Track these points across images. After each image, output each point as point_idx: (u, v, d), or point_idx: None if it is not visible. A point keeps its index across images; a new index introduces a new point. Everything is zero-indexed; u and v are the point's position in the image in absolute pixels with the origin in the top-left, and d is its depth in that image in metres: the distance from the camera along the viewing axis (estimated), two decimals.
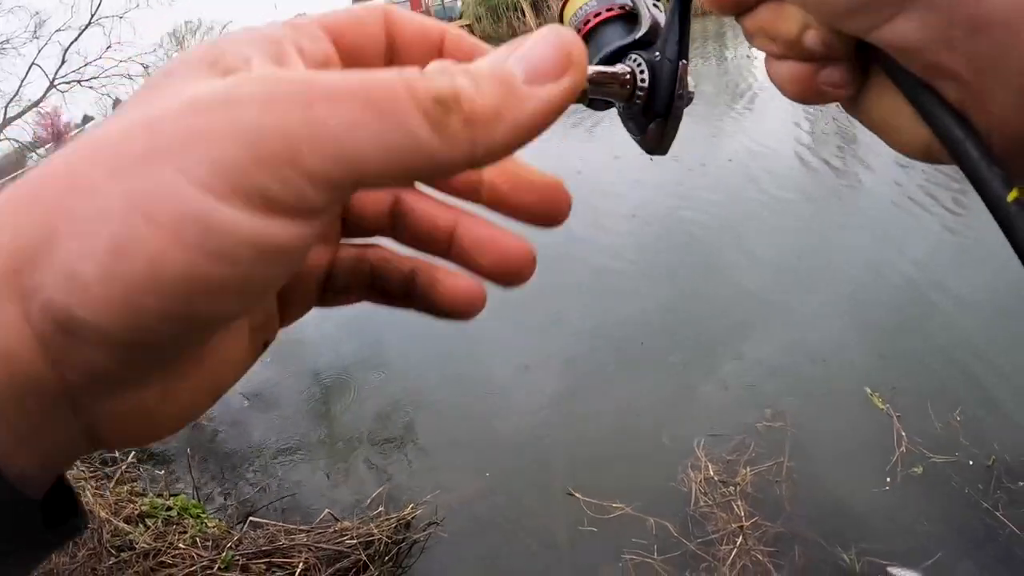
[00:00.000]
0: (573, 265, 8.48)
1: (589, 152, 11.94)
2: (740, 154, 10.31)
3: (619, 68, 0.65)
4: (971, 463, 4.33)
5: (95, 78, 24.75)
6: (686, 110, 0.65)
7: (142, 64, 27.20)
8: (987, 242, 6.48)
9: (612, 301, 7.53)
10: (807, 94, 0.45)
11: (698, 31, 21.71)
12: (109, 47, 24.46)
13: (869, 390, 5.01)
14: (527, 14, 32.16)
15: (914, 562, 3.85)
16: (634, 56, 0.65)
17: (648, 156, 0.71)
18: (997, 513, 3.96)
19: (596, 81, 0.64)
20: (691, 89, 0.65)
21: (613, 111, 0.71)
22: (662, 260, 8.09)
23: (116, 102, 46.54)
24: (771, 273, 7.14)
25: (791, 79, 0.45)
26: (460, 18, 36.66)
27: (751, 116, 12.29)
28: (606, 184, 10.71)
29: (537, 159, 0.44)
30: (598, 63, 0.67)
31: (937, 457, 4.39)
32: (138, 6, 34.57)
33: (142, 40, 68.35)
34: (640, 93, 0.64)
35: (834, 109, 10.77)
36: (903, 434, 4.56)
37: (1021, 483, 4.13)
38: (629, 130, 0.69)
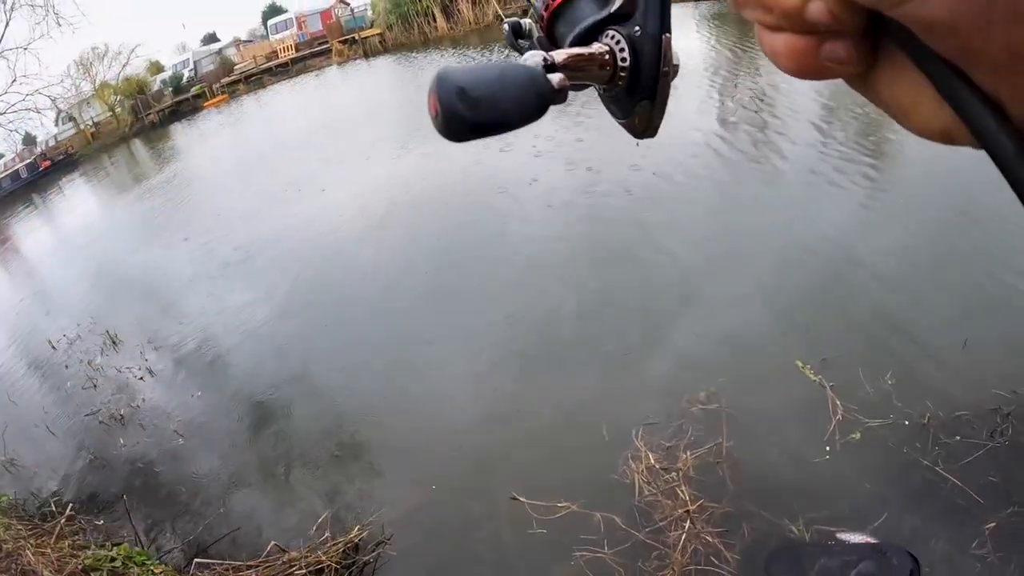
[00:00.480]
0: (496, 264, 8.55)
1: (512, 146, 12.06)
2: (654, 141, 10.38)
3: (596, 48, 0.61)
4: (907, 423, 4.42)
5: (2, 114, 23.88)
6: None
7: (49, 96, 26.37)
8: (896, 214, 6.71)
9: (537, 298, 7.56)
10: (807, 69, 0.41)
11: None
12: (14, 81, 23.64)
13: (800, 363, 5.08)
14: (438, 19, 32.31)
15: (862, 525, 3.91)
16: (611, 32, 0.61)
17: (635, 141, 0.66)
18: (937, 468, 4.06)
19: (572, 66, 0.58)
20: (676, 63, 0.61)
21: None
22: (582, 254, 8.16)
23: (25, 137, 45.33)
24: (691, 259, 7.26)
25: (788, 53, 0.40)
26: (371, 27, 36.70)
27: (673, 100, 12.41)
28: (520, 180, 10.84)
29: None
30: (571, 43, 0.62)
31: (873, 421, 4.47)
32: (42, 36, 33.61)
33: (48, 71, 66.31)
34: (622, 74, 0.60)
35: (749, 89, 11.02)
36: (838, 403, 4.63)
37: (958, 437, 4.23)
38: (612, 113, 0.65)
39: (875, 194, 7.23)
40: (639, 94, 0.60)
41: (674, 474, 4.47)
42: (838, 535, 3.92)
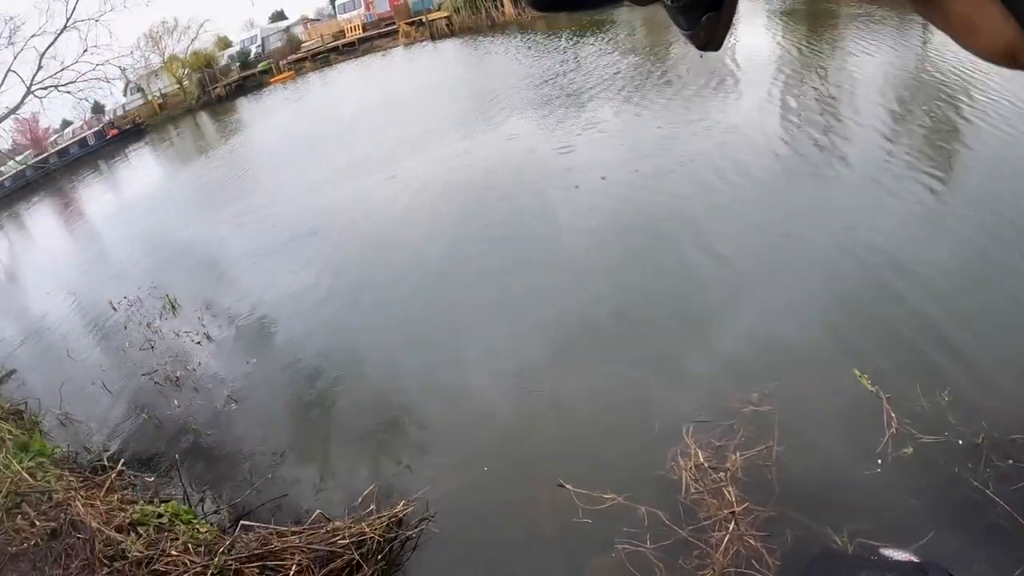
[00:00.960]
0: (548, 252, 8.56)
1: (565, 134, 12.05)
2: (717, 138, 10.35)
3: None
4: (960, 442, 4.33)
5: (72, 83, 24.57)
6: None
7: (119, 67, 27.05)
8: (968, 221, 6.54)
9: (590, 289, 7.54)
10: None
11: None
12: (85, 51, 24.40)
13: (858, 372, 5.00)
14: (506, 3, 32.28)
15: (906, 542, 3.84)
16: None
17: (698, 54, 0.65)
18: (987, 491, 3.97)
19: None
20: None
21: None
22: (635, 248, 8.11)
23: (94, 106, 46.60)
24: (747, 259, 7.16)
25: None
26: (439, 9, 36.78)
27: (729, 98, 12.26)
28: (579, 166, 10.84)
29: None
30: None
31: (927, 437, 4.39)
32: (113, 9, 34.49)
33: (119, 43, 68.05)
34: None
35: (814, 90, 10.81)
36: (892, 415, 4.55)
37: (1010, 461, 4.13)
38: (678, 25, 0.65)
39: (938, 206, 7.05)
40: (705, 6, 0.60)
41: (722, 474, 4.44)
42: (881, 550, 3.86)
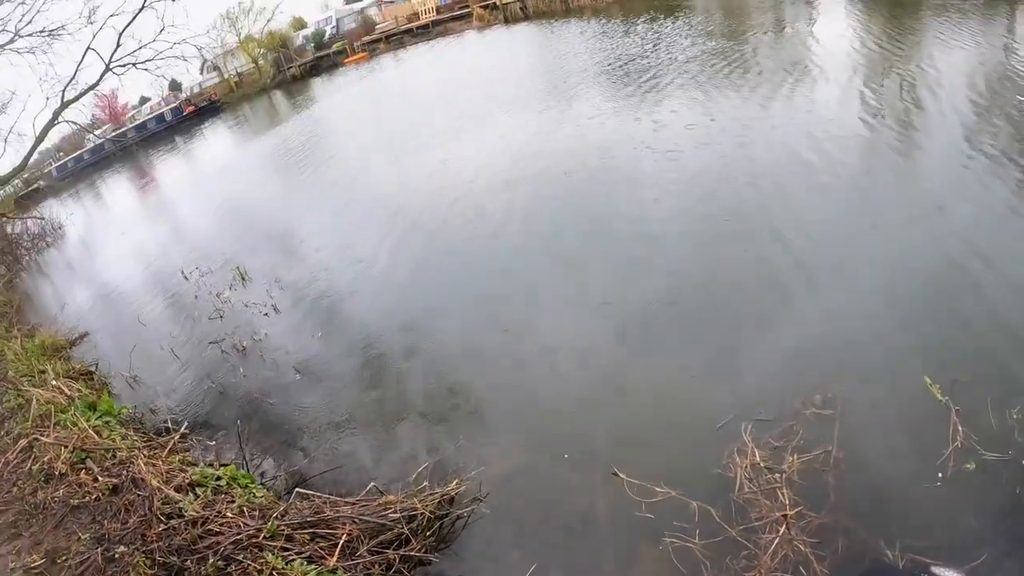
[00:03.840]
0: (618, 237, 8.54)
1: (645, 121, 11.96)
2: (797, 125, 10.15)
3: None
4: None
5: (150, 60, 25.31)
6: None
7: (196, 46, 27.85)
8: None
9: (656, 278, 7.48)
10: None
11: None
12: (163, 30, 24.97)
13: (929, 380, 4.87)
14: None
15: (958, 562, 3.76)
16: None
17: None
18: None
19: None
20: None
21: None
22: (705, 238, 7.98)
23: (172, 83, 48.03)
24: (819, 255, 6.97)
25: None
26: None
27: (812, 86, 12.01)
28: (656, 152, 10.80)
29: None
30: None
31: (991, 455, 4.26)
32: None
33: (195, 22, 70.07)
34: None
35: (896, 81, 10.44)
36: (959, 428, 4.43)
37: None
38: None
39: (1020, 217, 6.75)
40: None
41: (778, 475, 4.40)
42: (932, 568, 3.78)
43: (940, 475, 4.25)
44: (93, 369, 10.02)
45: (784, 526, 4.11)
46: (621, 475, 4.72)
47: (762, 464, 4.53)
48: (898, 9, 16.13)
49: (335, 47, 47.52)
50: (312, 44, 49.97)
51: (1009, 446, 4.29)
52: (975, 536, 3.88)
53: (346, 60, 44.80)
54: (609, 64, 18.41)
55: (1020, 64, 10.15)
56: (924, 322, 5.64)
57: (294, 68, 48.01)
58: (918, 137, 8.83)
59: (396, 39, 43.95)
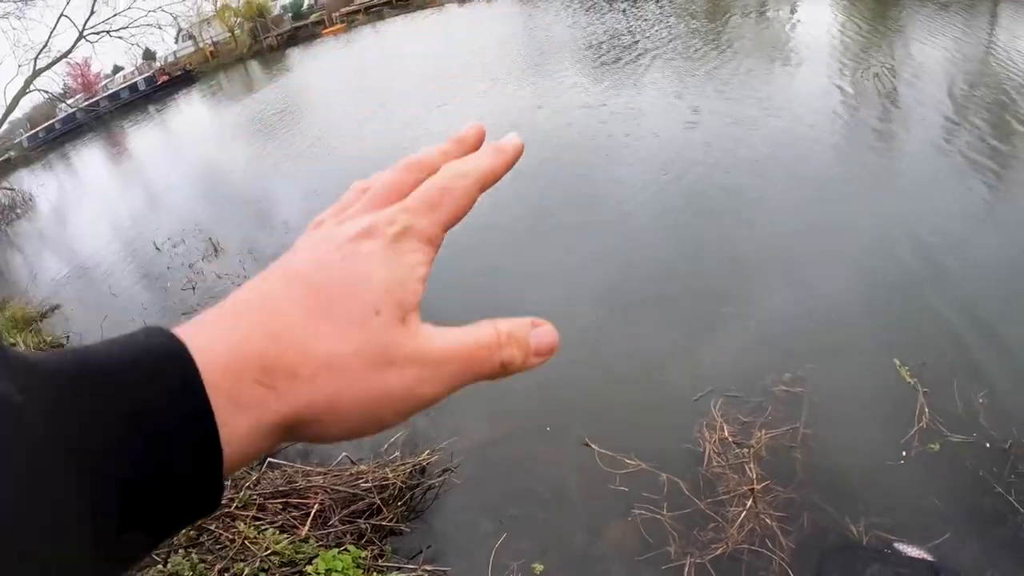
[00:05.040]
0: (597, 208, 8.58)
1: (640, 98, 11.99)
2: (775, 110, 10.27)
3: None
4: (988, 445, 4.28)
5: (124, 28, 24.96)
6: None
7: (171, 14, 27.46)
8: (1018, 225, 6.39)
9: (635, 247, 7.57)
10: None
11: None
12: None
13: (898, 362, 4.96)
14: None
15: (921, 540, 3.84)
16: None
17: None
18: (1010, 498, 3.93)
19: None
20: None
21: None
22: (690, 213, 8.08)
23: (145, 52, 47.21)
24: (795, 238, 7.05)
25: None
26: None
27: (792, 73, 12.13)
28: (640, 130, 10.82)
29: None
30: None
31: (955, 436, 4.35)
32: None
33: None
34: None
35: (874, 73, 10.55)
36: (926, 410, 4.52)
37: None
38: None
39: (995, 202, 6.87)
40: None
41: (746, 450, 4.47)
42: (896, 544, 3.85)
43: (904, 453, 4.33)
44: (64, 342, 9.88)
45: (751, 500, 4.18)
46: (592, 446, 4.76)
47: (731, 439, 4.59)
48: (881, 3, 16.27)
49: (313, 17, 47.10)
50: (290, 14, 49.40)
51: (974, 429, 4.39)
52: (938, 515, 3.96)
53: (324, 31, 44.37)
54: (589, 41, 18.38)
55: (1000, 58, 10.30)
56: (896, 307, 5.73)
57: (271, 38, 47.42)
58: (893, 128, 8.96)
59: (375, 11, 43.57)
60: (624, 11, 21.34)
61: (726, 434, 4.61)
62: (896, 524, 3.96)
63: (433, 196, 0.48)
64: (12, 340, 9.33)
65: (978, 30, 12.23)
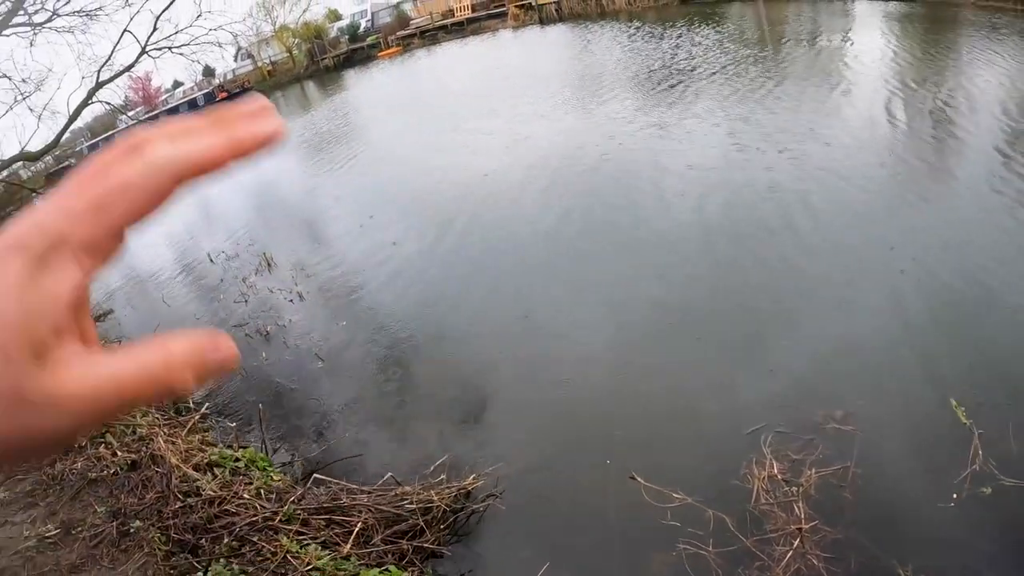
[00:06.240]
0: (641, 241, 8.54)
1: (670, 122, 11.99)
2: (827, 139, 10.13)
3: None
4: None
5: (185, 45, 25.59)
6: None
7: (231, 33, 28.18)
8: None
9: (680, 278, 7.53)
10: None
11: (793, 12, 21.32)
12: (199, 16, 25.28)
13: (955, 402, 4.86)
14: None
15: None
16: None
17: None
18: None
19: None
20: None
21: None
22: (738, 244, 8.00)
23: (205, 69, 48.43)
24: (846, 268, 6.94)
25: None
26: None
27: (841, 101, 11.99)
28: (676, 161, 10.80)
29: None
30: None
31: (1008, 480, 4.24)
32: None
33: (232, 9, 71.15)
34: None
35: (927, 100, 10.38)
36: (979, 452, 4.41)
37: None
38: None
39: None
40: None
41: (795, 488, 4.40)
42: None
43: (955, 496, 4.24)
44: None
45: (798, 540, 4.12)
46: (638, 478, 4.74)
47: (779, 477, 4.54)
48: (933, 25, 16.05)
49: (369, 40, 47.84)
50: (347, 36, 50.28)
51: None
52: (987, 559, 3.88)
53: (380, 54, 45.06)
54: (641, 69, 18.40)
55: None
56: (952, 344, 5.60)
57: (328, 59, 48.33)
58: (948, 160, 8.79)
59: (430, 35, 44.13)
60: (676, 37, 21.39)
61: (775, 471, 4.56)
62: (945, 568, 3.89)
63: (105, 195, 0.42)
64: None
65: None
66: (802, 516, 4.24)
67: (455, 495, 5.09)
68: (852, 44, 15.90)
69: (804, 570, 4.01)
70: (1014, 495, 4.18)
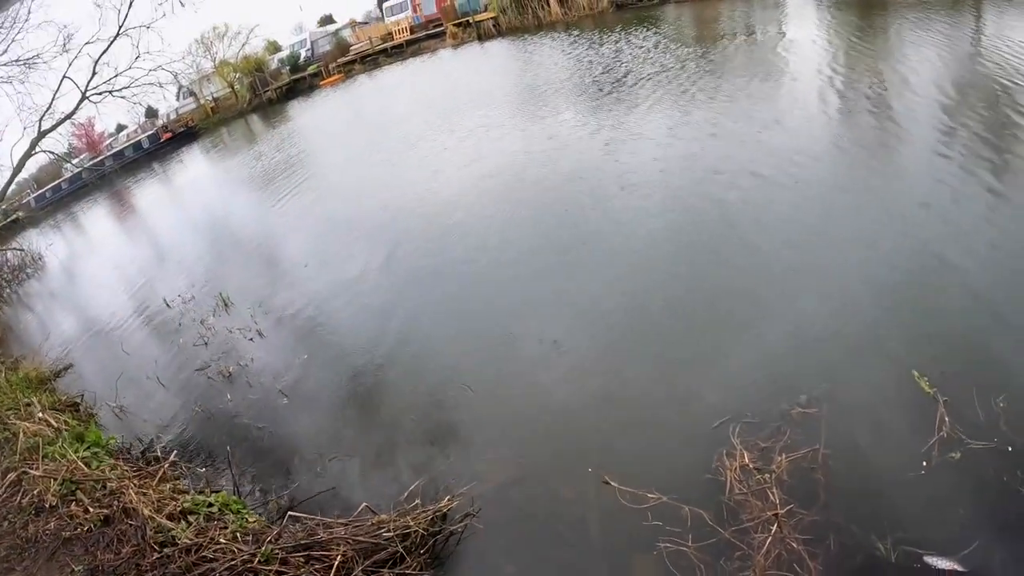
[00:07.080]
0: (603, 242, 8.59)
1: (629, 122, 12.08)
2: (769, 130, 10.28)
3: None
4: (1010, 450, 4.24)
5: (126, 88, 25.35)
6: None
7: (171, 72, 27.86)
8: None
9: (645, 280, 7.52)
10: None
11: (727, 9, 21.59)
12: (138, 57, 25.09)
13: (916, 373, 4.92)
14: (552, 3, 32.45)
15: (950, 551, 3.80)
16: None
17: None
18: None
19: None
20: None
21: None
22: (689, 239, 8.06)
23: (148, 110, 47.89)
24: (810, 253, 7.01)
25: None
26: (485, 10, 37.06)
27: (778, 92, 12.15)
28: (639, 154, 10.89)
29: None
30: None
31: (976, 443, 4.31)
32: (164, 15, 35.48)
33: (170, 48, 70.56)
34: None
35: (864, 83, 10.54)
36: (946, 419, 4.48)
37: None
38: None
39: (1001, 207, 6.74)
40: None
41: (767, 476, 4.44)
42: (925, 558, 3.81)
43: (924, 463, 4.29)
44: (79, 400, 9.90)
45: (776, 525, 4.14)
46: (612, 483, 4.73)
47: (751, 466, 4.56)
48: (866, 10, 16.36)
49: (310, 69, 47.60)
50: (287, 67, 49.98)
51: (995, 434, 4.35)
52: (965, 524, 3.92)
53: (322, 82, 44.87)
54: (582, 77, 18.54)
55: (987, 60, 10.32)
56: (909, 317, 5.69)
57: (270, 91, 47.94)
58: (893, 137, 8.94)
59: (371, 59, 44.07)
60: (612, 44, 21.61)
61: (746, 460, 4.58)
62: (923, 537, 3.92)
63: None
64: (28, 400, 9.37)
65: (964, 31, 12.30)
66: (777, 502, 4.27)
67: (431, 518, 5.03)
68: (787, 34, 16.16)
69: (784, 555, 4.03)
70: (982, 456, 4.26)
